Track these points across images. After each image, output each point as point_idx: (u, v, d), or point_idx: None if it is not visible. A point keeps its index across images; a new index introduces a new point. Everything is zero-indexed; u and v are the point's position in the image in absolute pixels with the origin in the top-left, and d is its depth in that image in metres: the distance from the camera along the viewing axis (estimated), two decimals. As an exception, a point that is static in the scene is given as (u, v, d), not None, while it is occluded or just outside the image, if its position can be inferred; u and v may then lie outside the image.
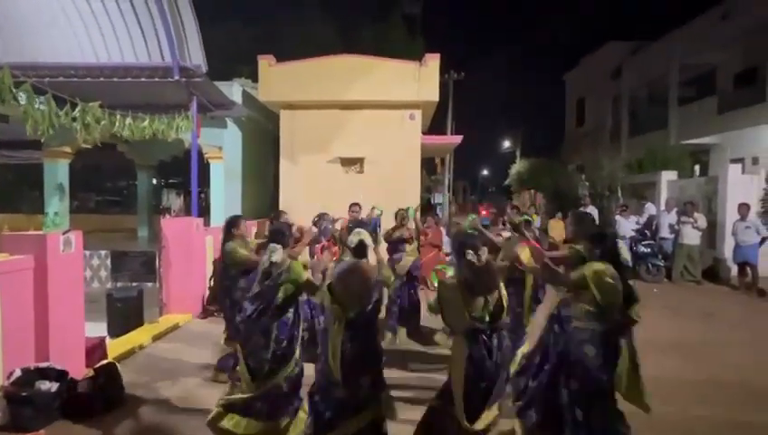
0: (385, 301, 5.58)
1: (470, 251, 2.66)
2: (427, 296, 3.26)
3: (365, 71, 8.84)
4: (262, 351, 2.86)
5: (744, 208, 8.38)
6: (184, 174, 12.17)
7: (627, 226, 10.26)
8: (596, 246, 2.84)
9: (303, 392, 2.80)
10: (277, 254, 2.87)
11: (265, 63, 8.92)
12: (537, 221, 11.25)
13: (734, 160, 12.83)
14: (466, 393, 2.52)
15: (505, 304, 2.65)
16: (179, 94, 6.72)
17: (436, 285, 3.23)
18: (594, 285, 2.68)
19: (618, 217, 10.70)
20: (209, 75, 6.74)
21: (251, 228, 7.60)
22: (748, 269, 8.25)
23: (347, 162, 9.26)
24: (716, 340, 5.52)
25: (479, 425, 2.52)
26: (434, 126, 14.23)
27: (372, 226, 4.82)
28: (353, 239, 2.83)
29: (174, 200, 14.65)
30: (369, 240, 2.83)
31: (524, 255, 3.88)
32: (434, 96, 9.00)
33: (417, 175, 9.34)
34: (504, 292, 2.66)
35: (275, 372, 2.87)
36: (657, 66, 16.87)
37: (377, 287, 2.54)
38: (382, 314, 5.59)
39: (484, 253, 2.72)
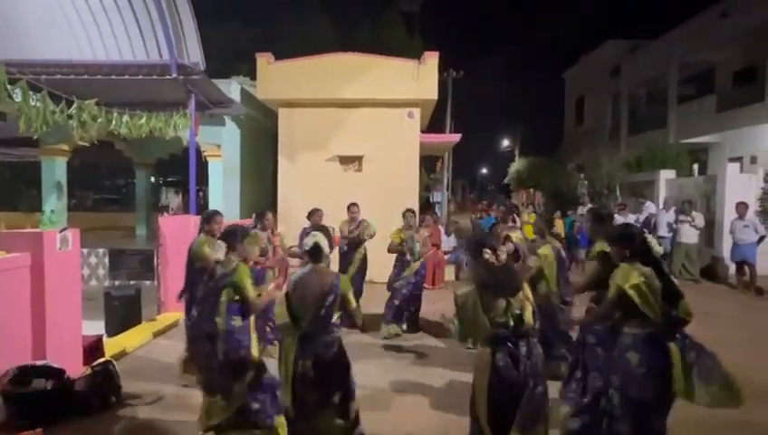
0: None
1: (488, 250, 2.52)
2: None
3: (364, 69, 8.82)
4: (211, 359, 2.70)
5: (742, 207, 8.39)
6: (182, 172, 12.18)
7: (625, 224, 10.26)
8: (624, 247, 2.60)
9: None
10: (220, 252, 2.78)
11: (264, 61, 8.90)
12: (535, 218, 11.24)
13: (733, 159, 12.86)
14: (490, 405, 2.33)
15: (531, 307, 2.46)
16: (177, 92, 6.70)
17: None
18: (633, 293, 2.44)
19: (616, 216, 10.68)
20: (207, 73, 6.73)
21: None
22: (746, 268, 8.26)
23: (345, 160, 9.24)
24: (715, 339, 5.51)
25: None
26: (433, 124, 14.19)
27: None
28: (308, 242, 2.67)
29: (172, 198, 14.65)
30: (325, 243, 2.68)
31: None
32: (433, 94, 8.99)
33: (415, 173, 9.33)
34: (529, 294, 2.49)
35: (231, 385, 2.68)
36: (657, 65, 16.87)
37: (333, 291, 2.52)
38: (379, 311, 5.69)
39: (503, 253, 2.59)
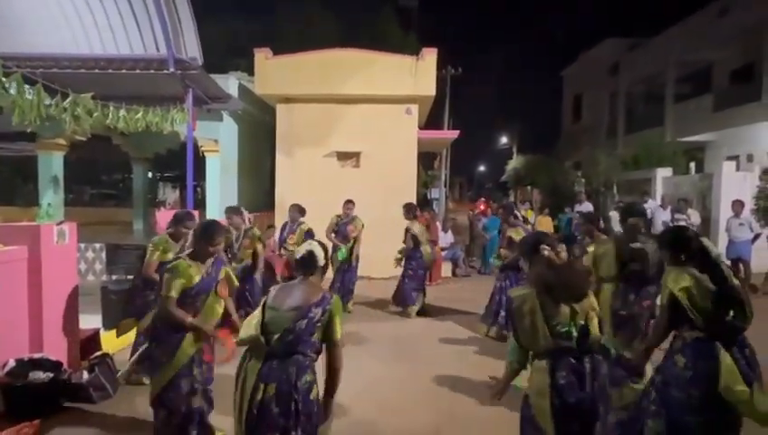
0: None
1: (546, 247, 2.23)
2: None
3: (362, 65, 8.81)
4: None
5: (737, 205, 8.45)
6: (180, 167, 12.12)
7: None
8: (679, 251, 2.43)
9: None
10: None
11: (262, 57, 8.87)
12: (532, 217, 11.30)
13: (730, 158, 12.89)
14: (558, 431, 1.99)
15: (597, 317, 2.16)
16: (174, 86, 6.69)
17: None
18: (681, 296, 2.31)
19: (612, 213, 10.74)
20: (205, 68, 6.71)
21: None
22: (741, 265, 8.32)
23: (343, 157, 9.23)
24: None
25: None
26: (431, 121, 14.19)
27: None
28: (301, 250, 2.26)
29: (169, 194, 14.61)
30: (321, 254, 2.25)
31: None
32: (431, 91, 8.99)
33: (413, 170, 9.34)
34: (594, 302, 2.16)
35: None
36: (654, 63, 16.91)
37: (321, 305, 2.10)
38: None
39: (564, 251, 2.29)
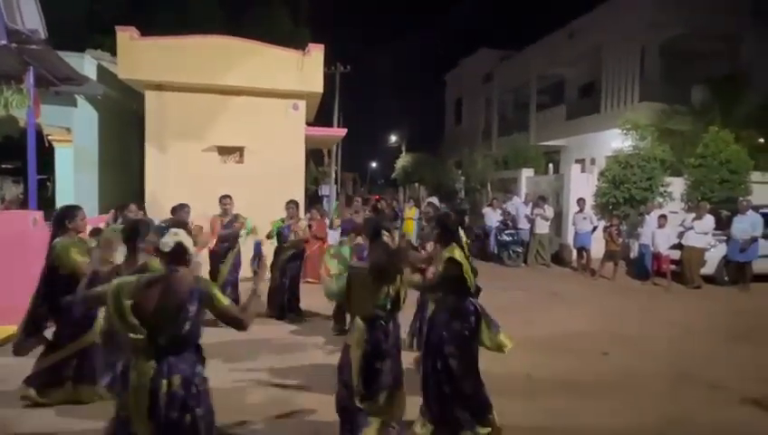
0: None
1: (385, 232, 2.86)
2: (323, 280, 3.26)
3: (244, 55, 8.38)
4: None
5: (581, 202, 9.99)
6: (22, 158, 10.32)
7: (493, 217, 11.44)
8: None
9: None
10: (119, 255, 2.59)
11: (126, 36, 7.92)
12: (416, 214, 11.93)
13: (578, 161, 15.12)
14: (364, 372, 2.74)
15: (404, 293, 2.90)
16: (9, 63, 5.64)
17: (331, 267, 3.10)
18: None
19: (486, 209, 11.87)
20: (53, 44, 5.78)
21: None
22: (584, 253, 9.83)
23: (225, 151, 8.72)
24: (561, 314, 6.55)
25: (379, 403, 2.77)
26: (321, 118, 14.16)
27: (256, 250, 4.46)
28: (168, 241, 2.17)
29: (9, 188, 12.31)
30: (189, 242, 2.20)
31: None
32: (318, 87, 8.91)
33: (301, 166, 9.19)
34: (410, 277, 2.93)
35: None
36: (520, 75, 18.99)
37: (192, 298, 2.12)
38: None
39: (396, 236, 2.98)
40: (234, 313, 2.25)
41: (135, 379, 2.04)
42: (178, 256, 2.16)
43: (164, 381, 2.02)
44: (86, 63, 7.99)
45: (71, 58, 7.28)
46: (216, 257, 5.84)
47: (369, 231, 3.00)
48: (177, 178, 8.21)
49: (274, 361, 4.56)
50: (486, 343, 3.13)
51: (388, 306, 2.82)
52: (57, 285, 3.42)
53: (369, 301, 2.77)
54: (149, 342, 2.03)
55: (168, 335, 2.05)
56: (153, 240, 2.40)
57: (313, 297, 5.67)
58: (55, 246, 3.48)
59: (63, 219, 3.57)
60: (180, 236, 2.19)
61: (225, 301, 2.24)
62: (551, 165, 15.31)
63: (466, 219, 5.69)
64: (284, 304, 5.94)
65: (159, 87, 8.34)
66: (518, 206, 11.42)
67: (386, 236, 2.85)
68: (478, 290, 3.25)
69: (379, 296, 2.78)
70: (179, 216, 5.01)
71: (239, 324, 2.26)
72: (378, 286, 2.77)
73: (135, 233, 2.98)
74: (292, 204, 6.08)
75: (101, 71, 8.44)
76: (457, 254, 3.05)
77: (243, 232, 5.88)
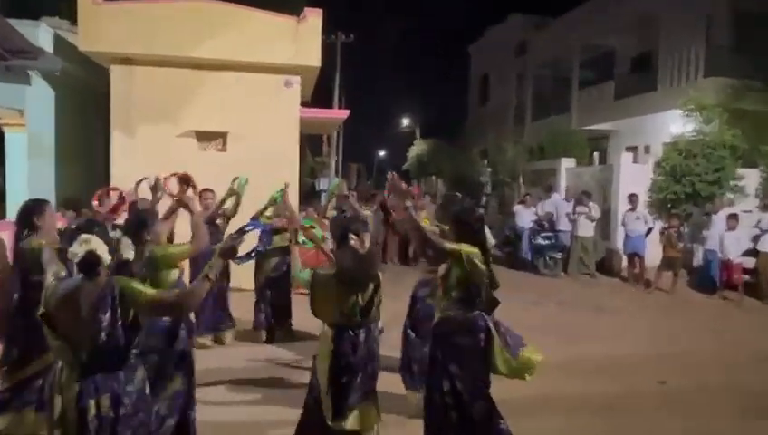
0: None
1: (353, 236, 2.97)
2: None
3: (228, 22, 8.33)
4: None
5: (633, 199, 9.83)
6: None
7: (526, 216, 11.28)
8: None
9: None
10: (128, 251, 2.59)
11: (87, 1, 7.95)
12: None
13: (631, 148, 14.85)
14: (331, 385, 2.91)
15: (377, 299, 3.04)
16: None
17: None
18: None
19: (517, 207, 11.73)
20: (2, 11, 5.82)
21: (60, 220, 6.79)
22: (637, 260, 9.65)
23: (205, 137, 8.70)
24: (605, 334, 6.41)
25: (348, 424, 2.88)
26: (318, 98, 14.11)
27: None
28: (77, 251, 2.19)
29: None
30: (103, 250, 2.24)
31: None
32: (315, 60, 8.85)
33: (294, 155, 9.14)
34: (379, 283, 3.02)
35: None
36: (559, 45, 18.73)
37: (105, 304, 2.17)
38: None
39: (367, 238, 3.05)
40: (167, 298, 2.32)
41: (61, 401, 2.12)
42: (89, 266, 2.19)
43: (91, 402, 2.11)
44: (41, 33, 8.02)
45: (23, 27, 7.30)
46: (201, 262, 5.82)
47: (335, 234, 3.15)
48: (147, 168, 8.05)
49: (259, 391, 4.54)
50: (501, 369, 3.01)
51: (357, 316, 2.97)
52: (32, 291, 3.30)
53: (334, 308, 2.96)
54: (74, 357, 2.13)
55: (86, 350, 2.13)
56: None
57: (307, 309, 5.62)
58: (24, 247, 3.49)
59: (30, 216, 3.57)
60: (92, 243, 2.20)
61: (150, 291, 2.29)
62: (596, 154, 15.09)
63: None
64: (271, 321, 5.91)
65: (127, 61, 8.36)
66: (557, 203, 11.25)
67: (353, 240, 2.96)
68: (494, 304, 3.14)
69: (347, 304, 2.94)
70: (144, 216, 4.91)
71: (178, 309, 2.42)
72: (344, 294, 2.94)
73: (142, 225, 3.15)
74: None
75: (59, 42, 8.46)
76: (474, 253, 2.96)
77: (238, 184, 5.90)
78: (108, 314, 2.15)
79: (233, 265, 5.63)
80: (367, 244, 3.02)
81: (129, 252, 2.60)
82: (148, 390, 2.36)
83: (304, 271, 3.10)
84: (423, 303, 4.13)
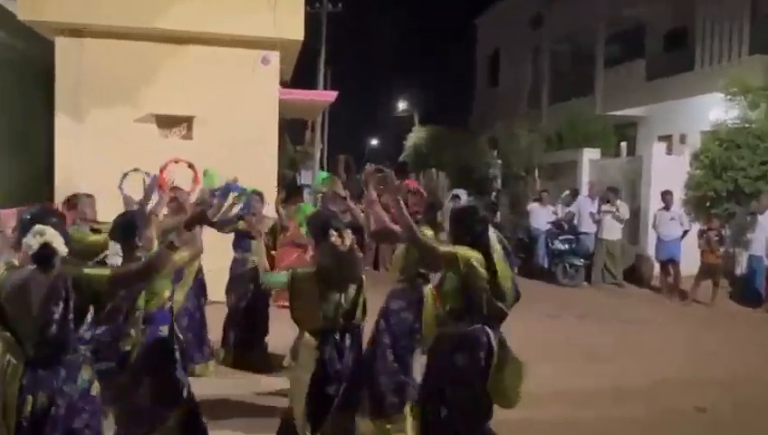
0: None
1: (334, 232, 3.24)
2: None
3: (195, -12, 8.46)
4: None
5: (667, 196, 9.91)
6: None
7: (543, 216, 11.40)
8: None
9: None
10: (114, 257, 2.84)
11: (29, -39, 8.01)
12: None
13: (664, 138, 15.01)
14: (311, 399, 3.13)
15: (362, 299, 3.35)
16: None
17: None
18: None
19: (532, 206, 11.84)
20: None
21: (7, 220, 6.82)
22: (671, 268, 9.77)
23: (166, 122, 8.77)
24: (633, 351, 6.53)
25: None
26: (302, 76, 14.17)
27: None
28: (32, 243, 2.36)
29: None
30: (59, 241, 2.41)
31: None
32: (297, 33, 8.93)
33: (273, 144, 9.20)
34: (363, 284, 3.34)
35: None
36: (582, 17, 18.87)
37: (58, 292, 2.37)
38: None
39: (349, 236, 3.29)
40: (132, 268, 2.66)
41: (5, 394, 2.34)
42: (44, 259, 2.36)
43: (29, 398, 2.33)
44: (-27, -1, 8.05)
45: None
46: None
47: (315, 230, 3.44)
48: (99, 158, 8.25)
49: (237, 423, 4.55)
50: (509, 394, 3.04)
51: (340, 319, 3.26)
52: None
53: (315, 311, 3.22)
54: (20, 350, 2.36)
55: (33, 343, 2.36)
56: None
57: (288, 325, 5.65)
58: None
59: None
60: (47, 235, 2.36)
61: (106, 271, 2.58)
62: (623, 144, 15.26)
63: (497, 215, 5.58)
64: (244, 340, 5.88)
65: (76, 32, 8.41)
66: (579, 201, 11.39)
67: (334, 237, 3.22)
68: (500, 316, 3.10)
69: (330, 305, 3.22)
70: (81, 211, 4.90)
71: (146, 273, 2.65)
72: (326, 293, 3.21)
73: (132, 228, 3.20)
74: (255, 196, 6.04)
75: (-6, 9, 8.49)
76: (473, 256, 3.00)
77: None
78: (60, 307, 2.35)
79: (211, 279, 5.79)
80: (348, 242, 3.24)
81: (116, 259, 2.77)
82: (96, 391, 2.54)
83: (279, 273, 3.33)
84: (397, 317, 4.10)
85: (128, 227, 3.18)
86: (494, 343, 3.00)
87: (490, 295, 3.02)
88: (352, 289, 3.29)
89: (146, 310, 3.25)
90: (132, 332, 3.17)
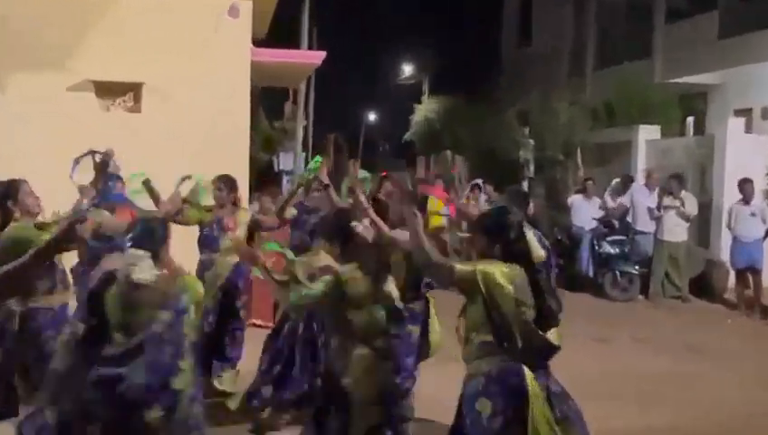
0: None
1: (356, 224, 3.60)
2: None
3: None
4: None
5: (746, 186, 9.79)
6: None
7: (588, 211, 11.33)
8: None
9: None
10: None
11: None
12: (444, 209, 11.91)
13: (741, 112, 14.92)
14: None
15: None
16: None
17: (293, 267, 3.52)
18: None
19: (574, 198, 11.78)
20: None
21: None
22: (750, 277, 9.69)
23: (108, 91, 8.84)
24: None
25: None
26: (281, 33, 14.12)
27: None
28: None
29: None
30: None
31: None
32: (274, -23, 8.99)
33: (243, 118, 9.25)
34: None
35: None
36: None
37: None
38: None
39: (366, 224, 3.65)
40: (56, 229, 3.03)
41: None
42: None
43: None
44: None
45: None
46: None
47: (334, 235, 3.68)
48: (24, 136, 8.30)
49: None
50: None
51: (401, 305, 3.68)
52: None
53: (367, 312, 3.46)
54: None
55: None
56: None
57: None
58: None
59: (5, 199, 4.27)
60: None
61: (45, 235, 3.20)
62: (690, 119, 15.20)
63: (530, 207, 5.50)
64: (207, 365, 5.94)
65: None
66: (634, 191, 11.31)
67: (360, 227, 3.59)
68: (546, 350, 3.09)
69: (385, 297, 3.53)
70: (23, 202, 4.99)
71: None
72: (374, 287, 3.47)
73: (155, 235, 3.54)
74: (222, 184, 6.15)
75: None
76: (497, 271, 2.97)
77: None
78: None
79: None
80: (371, 227, 3.65)
81: (149, 273, 3.07)
82: None
83: (312, 284, 3.40)
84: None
85: (151, 234, 3.42)
86: (532, 388, 2.89)
87: (528, 322, 2.96)
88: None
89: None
90: None
